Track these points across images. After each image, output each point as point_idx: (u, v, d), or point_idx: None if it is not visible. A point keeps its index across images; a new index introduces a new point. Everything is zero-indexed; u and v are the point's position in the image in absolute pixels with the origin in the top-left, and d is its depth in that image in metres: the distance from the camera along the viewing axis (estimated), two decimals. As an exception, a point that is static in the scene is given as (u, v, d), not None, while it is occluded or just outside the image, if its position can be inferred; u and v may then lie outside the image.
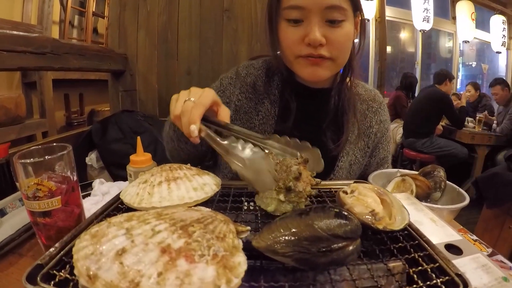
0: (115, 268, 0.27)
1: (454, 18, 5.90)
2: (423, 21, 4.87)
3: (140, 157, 0.81)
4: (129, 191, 0.48)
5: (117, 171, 1.60)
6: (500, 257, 0.80)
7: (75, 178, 0.66)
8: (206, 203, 0.50)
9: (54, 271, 0.35)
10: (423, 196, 0.90)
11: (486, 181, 2.38)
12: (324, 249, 0.35)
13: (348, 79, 0.99)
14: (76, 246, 0.31)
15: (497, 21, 5.97)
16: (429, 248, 0.41)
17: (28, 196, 0.61)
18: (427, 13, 4.86)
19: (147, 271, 0.27)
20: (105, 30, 5.47)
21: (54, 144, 0.65)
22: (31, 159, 0.61)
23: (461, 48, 6.79)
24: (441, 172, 0.96)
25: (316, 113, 1.00)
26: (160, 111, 2.10)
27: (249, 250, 0.36)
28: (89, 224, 0.44)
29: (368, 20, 4.58)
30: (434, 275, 0.37)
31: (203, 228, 0.32)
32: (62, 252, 0.38)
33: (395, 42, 6.37)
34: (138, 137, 0.82)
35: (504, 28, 6.00)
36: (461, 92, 5.58)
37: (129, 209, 0.47)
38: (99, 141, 1.65)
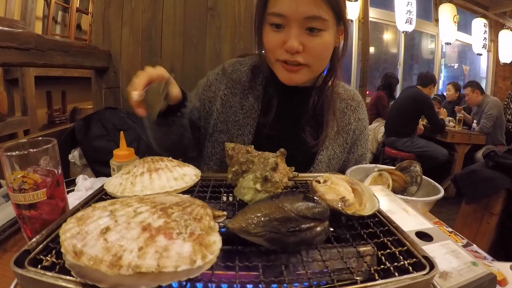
0: (100, 244, 0.29)
1: (436, 20, 6.02)
2: (406, 22, 4.94)
3: (124, 151, 0.83)
4: (113, 181, 0.49)
5: (100, 168, 1.59)
6: (475, 247, 0.85)
7: (59, 172, 0.68)
8: (186, 193, 0.52)
9: (41, 256, 0.37)
10: (400, 190, 0.93)
11: (464, 178, 2.43)
12: (293, 229, 0.37)
13: (330, 82, 1.04)
14: (63, 228, 0.32)
15: (478, 24, 6.11)
16: (398, 233, 0.44)
17: (14, 189, 0.62)
18: (410, 15, 4.93)
19: (129, 246, 0.29)
20: (89, 27, 5.41)
21: (40, 138, 0.66)
22: (17, 152, 0.62)
23: (444, 50, 6.95)
24: (417, 167, 1.00)
25: (296, 110, 1.05)
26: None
27: (225, 235, 0.38)
28: (74, 213, 0.45)
29: (352, 21, 4.64)
30: (402, 257, 0.40)
31: (181, 210, 0.35)
32: (48, 239, 0.40)
33: (378, 43, 6.48)
34: (121, 132, 0.84)
35: (485, 31, 6.15)
36: (443, 93, 5.74)
37: (113, 199, 0.49)
38: (82, 138, 1.64)
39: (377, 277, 0.36)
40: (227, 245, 0.38)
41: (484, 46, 6.25)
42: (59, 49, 1.64)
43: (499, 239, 2.19)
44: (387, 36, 6.48)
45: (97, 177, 1.07)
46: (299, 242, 0.38)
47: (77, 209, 0.46)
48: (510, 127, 4.79)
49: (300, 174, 0.57)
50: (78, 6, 4.92)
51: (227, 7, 1.89)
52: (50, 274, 0.33)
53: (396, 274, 0.37)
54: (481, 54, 6.57)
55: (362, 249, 0.42)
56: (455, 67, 7.79)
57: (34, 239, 0.39)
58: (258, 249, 0.40)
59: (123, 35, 2.03)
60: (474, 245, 0.86)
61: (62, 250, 0.28)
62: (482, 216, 2.28)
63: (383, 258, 0.41)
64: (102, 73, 2.10)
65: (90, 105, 5.01)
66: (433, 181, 0.95)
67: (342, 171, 1.11)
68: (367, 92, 5.35)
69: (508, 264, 0.74)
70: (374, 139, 4.52)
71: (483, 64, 7.39)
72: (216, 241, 0.33)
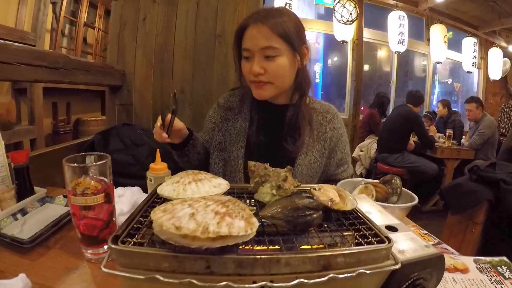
0: (192, 222, 0.46)
1: (428, 40, 6.22)
2: (398, 43, 5.11)
3: (159, 165, 1.03)
4: (165, 188, 0.67)
5: (118, 178, 1.69)
6: (444, 245, 1.00)
7: (111, 181, 0.86)
8: (220, 197, 0.70)
9: (128, 238, 0.54)
10: (382, 200, 1.10)
11: (450, 191, 2.53)
12: (301, 214, 0.58)
13: (303, 99, 1.30)
14: (155, 216, 0.50)
15: (468, 43, 6.29)
16: (369, 223, 0.62)
17: (77, 193, 0.78)
18: (402, 36, 5.12)
19: (211, 221, 0.47)
20: (95, 41, 5.58)
21: (97, 153, 0.85)
22: (76, 163, 0.80)
23: (436, 67, 7.16)
24: (397, 181, 1.18)
25: (277, 123, 1.31)
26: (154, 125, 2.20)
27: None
28: (139, 211, 0.63)
29: (347, 42, 4.84)
30: (370, 237, 0.58)
31: (233, 204, 0.53)
32: (128, 228, 0.57)
33: (372, 61, 6.68)
34: (157, 150, 1.03)
35: (475, 49, 6.31)
36: (435, 111, 5.96)
37: (165, 200, 0.66)
38: (102, 151, 1.77)
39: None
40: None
41: (473, 65, 6.41)
42: (82, 69, 1.79)
43: (483, 247, 2.31)
44: (381, 54, 6.68)
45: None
46: (304, 223, 0.58)
47: (141, 208, 0.64)
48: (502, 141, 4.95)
49: (302, 185, 0.76)
50: (85, 20, 5.07)
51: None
52: (142, 248, 0.51)
53: (365, 245, 0.55)
54: (471, 72, 6.76)
55: (345, 233, 0.62)
56: (449, 83, 8.01)
57: (118, 228, 0.56)
58: (277, 231, 0.60)
59: (137, 56, 2.18)
60: (444, 244, 1.02)
61: (163, 227, 0.46)
62: (466, 226, 2.38)
63: (358, 237, 0.59)
64: (116, 90, 2.23)
65: (93, 117, 5.19)
66: (410, 192, 1.13)
67: (326, 174, 1.38)
68: (362, 108, 5.56)
69: (471, 258, 0.90)
70: (367, 155, 4.69)
71: (476, 80, 7.60)
72: (256, 222, 0.52)
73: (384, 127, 4.43)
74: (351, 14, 4.38)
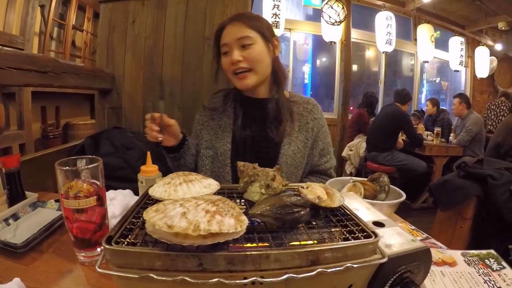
0: (183, 221, 0.47)
1: (415, 39, 6.29)
2: (386, 43, 5.14)
3: (150, 167, 1.03)
4: (157, 189, 0.68)
5: (109, 182, 1.69)
6: (433, 240, 1.03)
7: (103, 184, 0.86)
8: (211, 197, 0.72)
9: (121, 239, 0.55)
10: (371, 197, 1.12)
11: (439, 187, 2.57)
12: (289, 211, 0.60)
13: (281, 91, 1.41)
14: (147, 216, 0.51)
15: (455, 42, 6.31)
16: (356, 218, 0.64)
17: (70, 196, 0.79)
18: (389, 36, 5.15)
19: (202, 220, 0.48)
20: (83, 44, 5.53)
21: (89, 156, 0.85)
22: (71, 167, 0.81)
23: (424, 67, 7.25)
24: (385, 178, 1.20)
25: (260, 116, 1.39)
26: (145, 128, 2.19)
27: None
28: (132, 212, 0.64)
29: (335, 43, 4.87)
30: (357, 232, 0.59)
31: (223, 203, 0.55)
32: (121, 229, 0.58)
33: (360, 62, 6.75)
34: (148, 152, 1.04)
35: (462, 48, 6.33)
36: (423, 109, 6.03)
37: (157, 201, 0.67)
38: (92, 155, 1.77)
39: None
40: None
41: (461, 63, 6.43)
42: (72, 72, 1.77)
43: (473, 241, 2.35)
44: (369, 54, 6.75)
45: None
46: (292, 220, 0.60)
47: (133, 209, 0.65)
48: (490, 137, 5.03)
49: (290, 184, 0.78)
50: (74, 23, 5.03)
51: (222, 38, 2.05)
52: (135, 247, 0.52)
53: (352, 240, 0.57)
54: (458, 71, 6.82)
55: (332, 229, 0.63)
56: (436, 81, 8.10)
57: (112, 229, 0.57)
58: (267, 228, 0.62)
59: (126, 59, 2.16)
60: (432, 238, 1.05)
61: (156, 226, 0.47)
62: (456, 222, 2.42)
63: (345, 232, 0.61)
64: (105, 93, 2.21)
65: (83, 121, 5.15)
66: (398, 189, 1.16)
67: (310, 165, 1.45)
68: (351, 108, 5.61)
69: (459, 252, 0.93)
70: (356, 155, 4.73)
71: (463, 79, 7.71)
72: (245, 219, 0.53)
73: (373, 126, 4.48)
74: (339, 15, 4.41)
